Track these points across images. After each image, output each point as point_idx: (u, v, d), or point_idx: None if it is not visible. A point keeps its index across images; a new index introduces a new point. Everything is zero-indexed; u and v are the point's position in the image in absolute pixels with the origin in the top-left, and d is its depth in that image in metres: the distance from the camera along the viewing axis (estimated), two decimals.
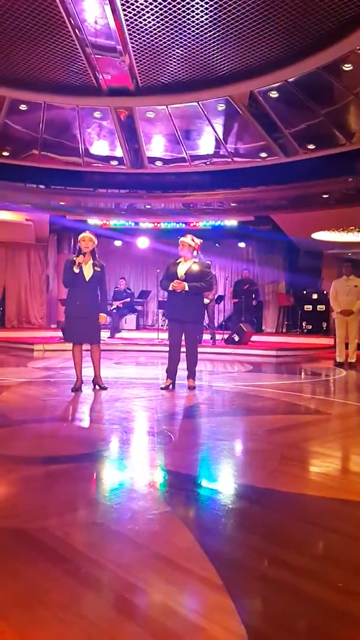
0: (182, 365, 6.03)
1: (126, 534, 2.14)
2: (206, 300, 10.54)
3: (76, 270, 5.59)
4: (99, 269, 5.72)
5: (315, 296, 14.69)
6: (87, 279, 5.64)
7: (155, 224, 14.39)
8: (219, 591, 1.71)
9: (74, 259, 5.65)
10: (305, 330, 14.71)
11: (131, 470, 3.07)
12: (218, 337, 11.80)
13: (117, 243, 15.50)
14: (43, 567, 1.85)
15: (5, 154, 9.90)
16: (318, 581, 1.81)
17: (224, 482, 2.91)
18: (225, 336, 11.90)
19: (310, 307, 14.77)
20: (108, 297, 6.32)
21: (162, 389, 5.88)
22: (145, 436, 4.07)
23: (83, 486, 2.78)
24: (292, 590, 1.75)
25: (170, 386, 5.91)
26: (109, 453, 3.48)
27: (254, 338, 12.30)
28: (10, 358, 9.59)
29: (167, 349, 6.13)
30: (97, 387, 5.82)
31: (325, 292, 13.59)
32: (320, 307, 14.53)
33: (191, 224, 14.01)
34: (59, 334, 11.81)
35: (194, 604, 1.66)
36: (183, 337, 5.98)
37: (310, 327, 14.71)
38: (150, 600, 1.69)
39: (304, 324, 14.86)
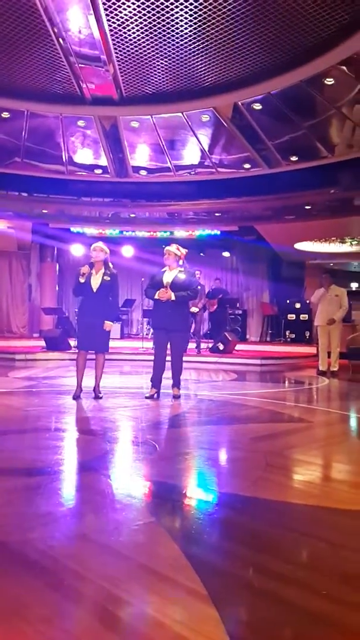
0: (167, 375, 6.02)
1: (110, 546, 2.11)
2: (195, 309, 10.59)
3: (81, 280, 5.69)
4: (109, 279, 5.77)
5: (298, 305, 14.82)
6: (94, 289, 5.71)
7: (140, 233, 14.42)
8: (204, 601, 1.69)
9: (81, 269, 5.72)
10: (288, 339, 14.81)
11: (115, 481, 3.04)
12: (203, 345, 11.81)
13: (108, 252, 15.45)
14: (24, 580, 1.81)
15: None
16: (302, 589, 1.80)
17: (208, 492, 2.90)
18: (210, 345, 11.92)
19: (294, 316, 14.89)
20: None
21: (146, 398, 5.85)
22: (130, 446, 4.04)
23: (66, 497, 2.74)
24: (277, 598, 1.74)
25: (155, 395, 5.88)
26: (92, 463, 3.44)
27: (239, 347, 12.34)
28: None
29: (152, 357, 6.11)
30: (94, 396, 5.80)
31: (308, 301, 13.72)
32: (304, 317, 14.66)
33: (176, 233, 14.05)
34: (42, 343, 11.72)
35: (179, 615, 1.64)
36: (168, 346, 5.97)
37: (293, 336, 14.83)
38: (135, 612, 1.66)
39: (287, 333, 14.97)
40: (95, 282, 5.72)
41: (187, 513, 2.53)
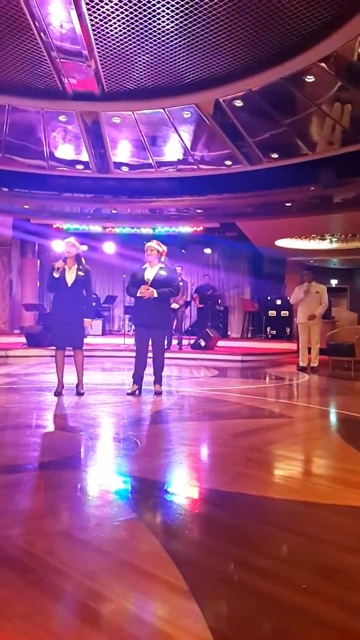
0: (149, 371, 6.02)
1: (91, 542, 2.11)
2: (175, 306, 10.59)
3: (56, 275, 5.65)
4: (82, 274, 5.74)
5: (279, 302, 14.93)
6: (69, 284, 5.68)
7: (121, 229, 14.36)
8: (185, 596, 1.71)
9: (54, 264, 5.65)
10: (269, 336, 14.92)
11: (96, 477, 3.04)
12: (184, 342, 11.83)
13: (83, 247, 15.37)
14: (4, 576, 1.81)
15: None
16: (282, 583, 1.83)
17: (189, 487, 2.92)
18: (192, 341, 11.94)
19: (274, 312, 15.01)
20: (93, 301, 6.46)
21: (128, 394, 5.85)
22: (111, 442, 4.04)
23: (47, 494, 2.74)
24: (257, 592, 1.76)
25: (137, 392, 5.88)
26: (73, 460, 3.43)
27: (220, 343, 12.39)
28: None
29: (134, 354, 6.10)
30: (76, 392, 5.77)
31: (288, 298, 13.85)
32: (284, 313, 14.79)
33: (157, 229, 14.04)
34: (23, 339, 11.62)
35: (161, 610, 1.66)
36: (150, 343, 5.97)
37: (274, 332, 14.94)
38: (116, 608, 1.67)
39: (268, 330, 15.08)
40: (70, 278, 5.69)
41: (168, 509, 2.55)
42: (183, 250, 15.02)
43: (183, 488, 2.90)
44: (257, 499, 2.68)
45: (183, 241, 14.72)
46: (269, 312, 15.10)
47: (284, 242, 14.04)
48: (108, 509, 2.47)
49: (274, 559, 2.04)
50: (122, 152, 9.81)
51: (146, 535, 2.19)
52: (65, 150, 9.84)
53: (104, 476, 3.06)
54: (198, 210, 12.20)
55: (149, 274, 5.88)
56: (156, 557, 1.98)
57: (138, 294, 5.83)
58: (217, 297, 14.83)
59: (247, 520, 2.42)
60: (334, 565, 1.99)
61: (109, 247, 14.41)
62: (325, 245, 14.37)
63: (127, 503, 2.61)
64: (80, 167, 10.22)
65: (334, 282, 17.41)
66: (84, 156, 9.83)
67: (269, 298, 15.24)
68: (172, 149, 9.65)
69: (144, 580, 1.81)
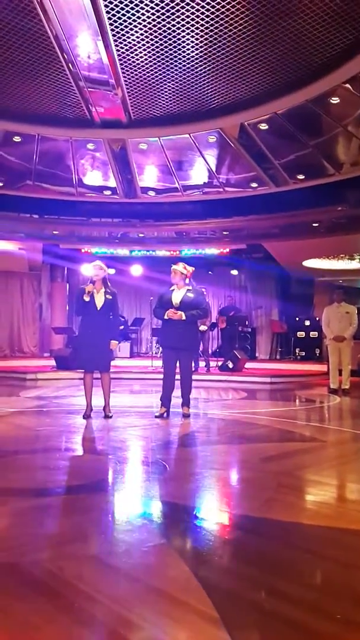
0: (177, 393, 6.00)
1: (121, 567, 2.09)
2: (203, 328, 10.61)
3: (86, 298, 5.68)
4: (110, 297, 5.80)
5: (307, 323, 14.76)
6: (98, 308, 5.72)
7: (149, 252, 14.52)
8: (216, 624, 1.67)
9: (84, 287, 5.71)
10: (298, 357, 14.73)
11: (125, 502, 3.02)
12: (212, 364, 11.78)
13: (111, 271, 15.57)
14: (35, 602, 1.80)
15: None
16: (315, 612, 1.77)
17: (219, 513, 2.87)
18: (219, 363, 11.88)
19: (303, 333, 14.83)
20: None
21: (156, 417, 5.83)
22: (140, 466, 4.02)
23: (76, 518, 2.73)
24: (289, 621, 1.71)
25: (165, 414, 5.86)
26: (102, 484, 3.42)
27: (248, 365, 12.29)
28: (2, 388, 9.49)
29: (161, 376, 6.10)
30: (104, 415, 5.79)
31: (317, 318, 13.67)
32: (313, 334, 14.59)
33: (184, 252, 14.14)
34: (52, 362, 11.76)
35: (191, 638, 1.62)
36: (177, 365, 5.96)
37: (303, 353, 14.75)
38: (146, 636, 1.64)
39: (297, 351, 14.89)
40: (99, 301, 5.73)
41: (197, 534, 2.51)
42: (210, 272, 15.05)
43: (213, 513, 2.86)
44: (288, 524, 2.62)
45: (209, 263, 14.76)
46: (298, 333, 14.93)
47: (311, 263, 13.94)
48: (137, 534, 2.45)
49: (306, 586, 1.98)
50: (149, 177, 9.98)
51: (176, 561, 2.15)
52: (93, 177, 10.06)
53: (133, 500, 3.04)
54: (224, 232, 12.26)
55: (177, 297, 5.90)
56: (186, 583, 1.94)
57: (166, 317, 5.85)
58: (244, 318, 14.74)
59: (279, 546, 2.36)
60: None
61: (136, 270, 14.56)
62: (354, 265, 14.20)
63: (157, 528, 2.58)
64: (108, 192, 10.43)
65: None
66: (112, 182, 10.03)
67: (297, 319, 15.09)
68: (198, 173, 9.76)
69: (174, 607, 1.78)
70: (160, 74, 6.88)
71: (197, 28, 5.85)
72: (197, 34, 5.97)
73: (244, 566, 2.15)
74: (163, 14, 5.59)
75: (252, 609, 1.79)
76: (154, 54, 6.42)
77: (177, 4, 5.41)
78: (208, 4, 5.38)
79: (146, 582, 1.96)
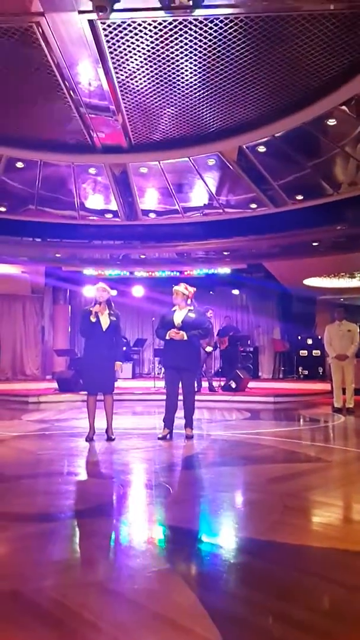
0: (180, 414, 5.97)
1: (125, 594, 2.06)
2: (209, 349, 10.64)
3: (93, 319, 5.71)
4: (114, 319, 5.86)
5: (310, 341, 14.75)
6: (104, 329, 5.75)
7: (150, 273, 14.60)
8: None
9: (91, 309, 5.74)
10: (301, 376, 14.68)
11: (129, 526, 2.99)
12: (215, 384, 11.74)
13: (113, 292, 15.63)
14: (38, 631, 1.78)
15: (2, 209, 10.11)
16: (323, 638, 1.74)
17: (225, 536, 2.84)
18: (222, 383, 11.84)
19: (306, 352, 14.81)
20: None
21: (159, 439, 5.80)
22: (143, 489, 3.99)
23: (79, 544, 2.70)
24: None
25: (168, 436, 5.83)
26: (106, 508, 3.39)
27: (251, 384, 12.25)
28: (5, 411, 9.46)
29: (164, 397, 6.08)
30: (106, 437, 5.75)
31: (320, 337, 13.66)
32: (316, 352, 14.57)
33: (185, 272, 14.21)
34: (54, 385, 11.73)
35: None
36: (180, 386, 5.95)
37: (306, 372, 14.71)
38: None
39: (300, 370, 14.85)
40: (105, 322, 5.77)
41: (202, 559, 2.48)
42: (211, 292, 15.10)
43: (218, 537, 2.82)
44: (295, 547, 2.59)
45: (210, 283, 14.82)
46: (300, 351, 14.90)
47: (312, 281, 13.99)
48: (141, 559, 2.42)
49: (314, 611, 1.95)
50: (150, 199, 10.09)
51: (180, 587, 2.12)
52: (95, 201, 10.17)
53: (137, 525, 3.01)
54: (225, 253, 12.32)
55: (178, 317, 5.92)
56: (191, 609, 1.92)
57: (168, 337, 5.86)
58: (246, 338, 14.71)
59: (286, 570, 2.33)
60: None
61: (138, 291, 14.63)
62: (355, 283, 14.25)
63: (161, 553, 2.55)
64: (109, 215, 10.54)
65: None
66: (113, 205, 10.13)
67: (299, 337, 15.07)
68: (198, 195, 9.87)
69: (179, 634, 1.75)
70: (159, 100, 7.00)
71: (195, 54, 5.97)
72: (195, 60, 6.10)
73: (250, 591, 2.12)
74: (162, 41, 5.71)
75: (258, 635, 1.76)
76: (153, 80, 6.55)
77: (176, 32, 5.53)
78: (206, 31, 5.51)
79: (150, 609, 1.93)
